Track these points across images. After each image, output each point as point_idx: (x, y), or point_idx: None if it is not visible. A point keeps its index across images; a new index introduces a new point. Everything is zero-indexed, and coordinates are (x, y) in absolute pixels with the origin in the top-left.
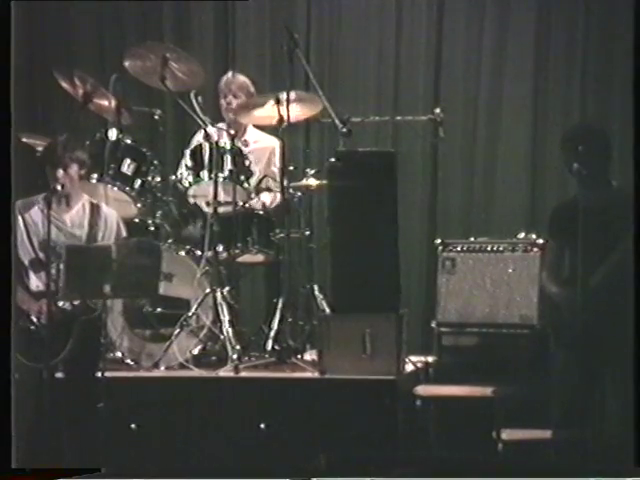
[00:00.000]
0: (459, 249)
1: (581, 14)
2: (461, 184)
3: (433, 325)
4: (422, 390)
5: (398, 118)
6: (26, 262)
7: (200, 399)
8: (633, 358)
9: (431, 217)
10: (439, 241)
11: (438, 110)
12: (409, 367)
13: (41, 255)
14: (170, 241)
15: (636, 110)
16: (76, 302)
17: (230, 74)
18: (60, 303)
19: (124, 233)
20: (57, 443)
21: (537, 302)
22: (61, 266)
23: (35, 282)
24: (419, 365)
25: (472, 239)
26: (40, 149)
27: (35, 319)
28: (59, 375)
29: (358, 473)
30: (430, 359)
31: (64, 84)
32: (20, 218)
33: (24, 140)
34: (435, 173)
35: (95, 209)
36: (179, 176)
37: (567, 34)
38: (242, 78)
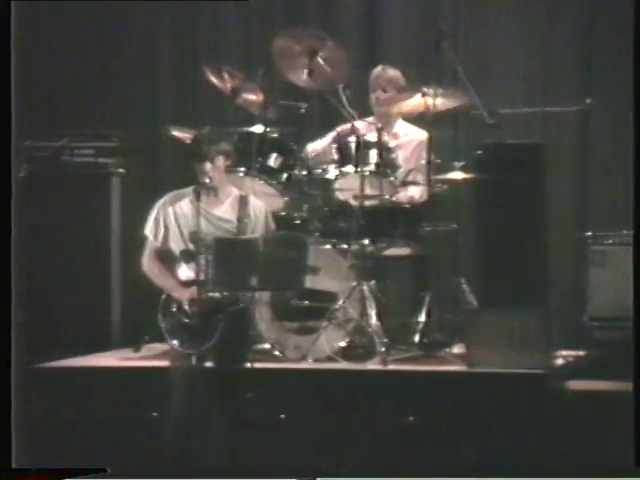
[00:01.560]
0: (610, 241)
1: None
2: (611, 175)
3: (585, 319)
4: (573, 385)
5: (547, 109)
6: (177, 253)
7: (347, 391)
8: (633, 358)
9: (580, 209)
10: (590, 233)
11: (589, 100)
12: (559, 361)
13: (191, 246)
14: (316, 234)
15: (636, 109)
16: (225, 293)
17: (380, 68)
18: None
19: (273, 225)
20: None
21: None
22: (210, 257)
23: (185, 272)
24: (569, 359)
25: (624, 232)
26: (188, 142)
27: (187, 307)
28: (209, 364)
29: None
30: (581, 353)
31: (213, 78)
32: (171, 210)
33: (174, 133)
34: (585, 164)
35: (244, 202)
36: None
37: None
38: (392, 72)
